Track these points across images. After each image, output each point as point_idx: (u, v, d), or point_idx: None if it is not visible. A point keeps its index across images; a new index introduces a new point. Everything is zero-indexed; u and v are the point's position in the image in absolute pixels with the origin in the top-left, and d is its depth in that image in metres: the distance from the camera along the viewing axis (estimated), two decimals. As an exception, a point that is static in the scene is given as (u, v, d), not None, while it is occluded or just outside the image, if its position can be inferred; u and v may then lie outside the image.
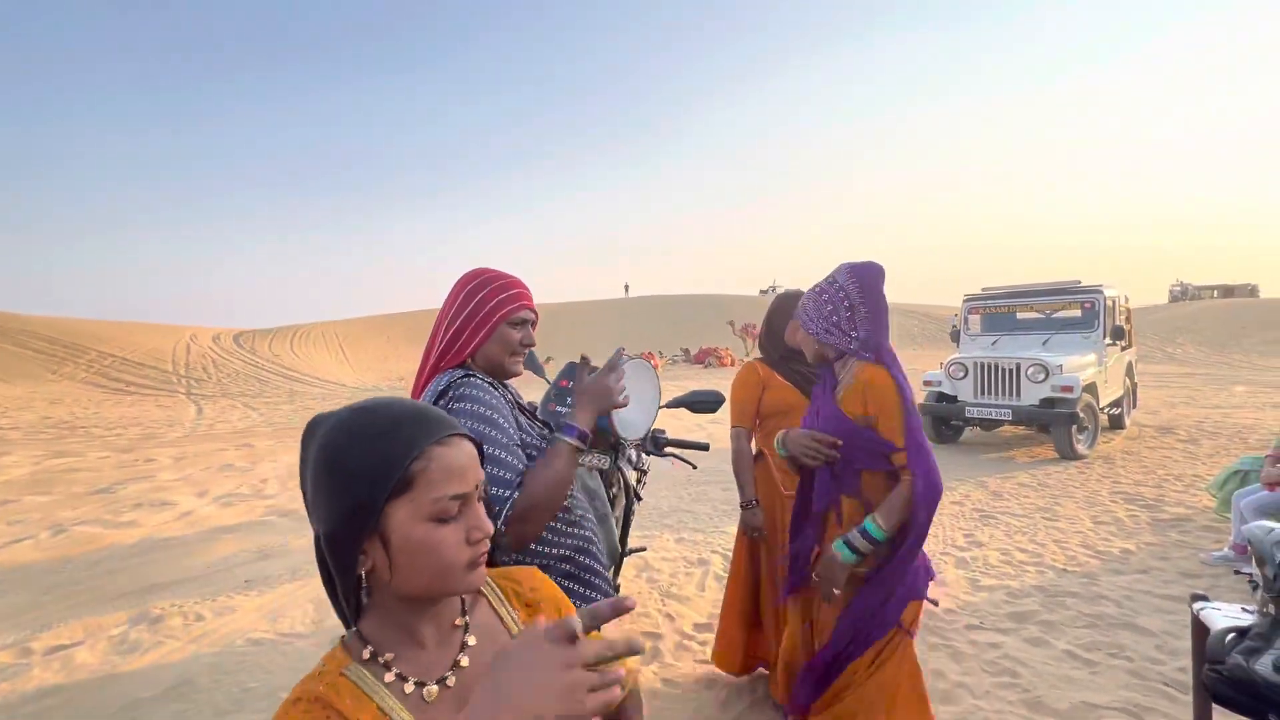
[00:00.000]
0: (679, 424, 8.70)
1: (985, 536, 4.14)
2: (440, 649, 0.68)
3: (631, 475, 2.37)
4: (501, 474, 1.10)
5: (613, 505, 2.13)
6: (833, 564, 1.56)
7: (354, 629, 0.67)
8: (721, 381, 17.27)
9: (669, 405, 2.26)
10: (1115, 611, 2.97)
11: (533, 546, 1.21)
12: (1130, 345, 8.29)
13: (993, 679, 2.43)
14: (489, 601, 0.75)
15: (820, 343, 1.71)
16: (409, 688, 0.63)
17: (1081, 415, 6.29)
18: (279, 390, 20.05)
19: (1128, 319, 8.14)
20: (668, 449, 2.30)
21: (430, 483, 0.62)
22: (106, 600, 3.47)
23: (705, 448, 2.33)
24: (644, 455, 2.41)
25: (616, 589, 2.07)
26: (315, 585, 3.59)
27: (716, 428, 9.07)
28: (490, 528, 0.66)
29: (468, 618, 0.72)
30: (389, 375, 26.24)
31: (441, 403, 1.16)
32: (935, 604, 1.88)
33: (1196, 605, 1.72)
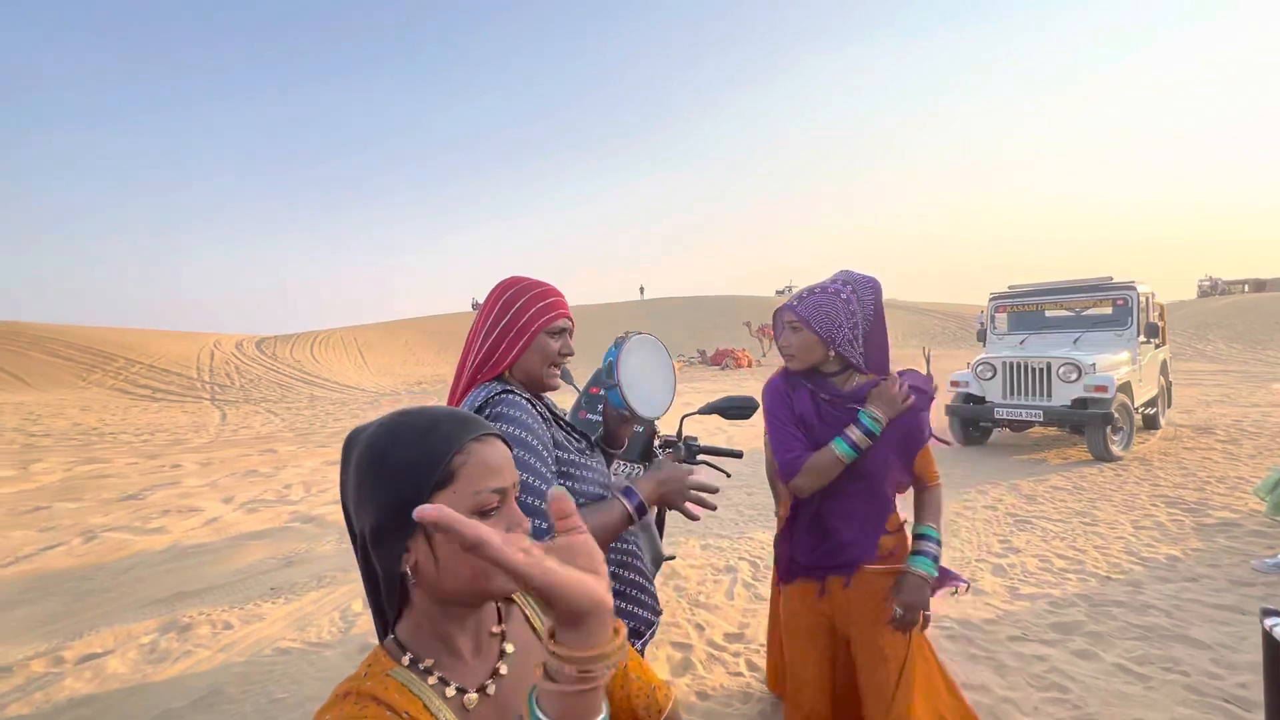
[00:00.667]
0: (700, 428, 8.62)
1: (1021, 542, 4.01)
2: (478, 659, 0.69)
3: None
4: (534, 502, 1.06)
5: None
6: (922, 584, 1.51)
7: (392, 635, 0.68)
8: (739, 383, 17.15)
9: (702, 411, 2.20)
10: (1166, 622, 2.85)
11: None
12: (1164, 343, 8.05)
13: (1041, 694, 2.33)
14: (523, 612, 0.76)
15: (833, 350, 1.57)
16: (450, 692, 0.65)
17: (1116, 416, 6.11)
18: (300, 395, 20.30)
19: (1161, 315, 7.91)
20: (701, 456, 2.24)
21: (471, 476, 0.64)
22: (137, 608, 3.48)
23: (739, 455, 2.26)
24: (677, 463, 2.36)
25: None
26: (341, 593, 3.58)
27: (736, 430, 8.98)
28: (529, 525, 0.67)
29: (504, 626, 0.73)
30: (407, 379, 26.47)
31: None
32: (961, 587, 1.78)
33: (1269, 621, 1.62)
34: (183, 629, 3.16)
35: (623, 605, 1.20)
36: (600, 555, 0.53)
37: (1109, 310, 7.34)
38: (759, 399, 2.24)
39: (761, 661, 2.62)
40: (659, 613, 1.32)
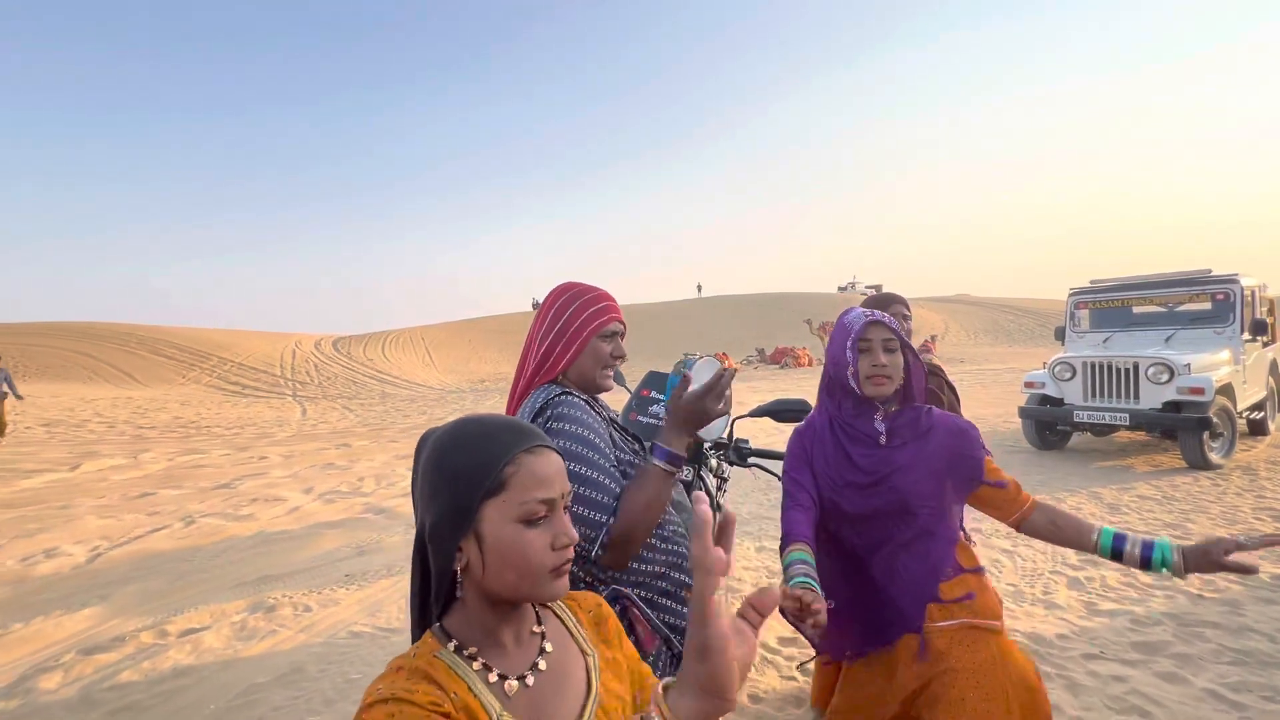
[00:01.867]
0: (756, 428, 8.53)
1: (1102, 554, 3.76)
2: (518, 651, 0.73)
3: (713, 484, 2.32)
4: (600, 497, 1.10)
5: (696, 516, 2.09)
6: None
7: (438, 624, 0.72)
8: (799, 383, 16.81)
9: (753, 414, 2.19)
10: (1268, 647, 2.61)
11: (629, 564, 1.19)
12: (1275, 340, 7.34)
13: (1120, 717, 2.19)
14: (558, 617, 0.80)
15: (912, 381, 1.40)
16: (492, 678, 0.69)
17: (1215, 420, 5.62)
18: (373, 392, 21.38)
19: (1270, 310, 7.21)
20: (751, 459, 2.23)
21: (520, 486, 0.68)
22: (229, 588, 3.79)
23: (791, 457, 2.24)
24: (725, 465, 2.36)
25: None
26: (408, 582, 3.77)
27: (789, 432, 8.82)
28: (575, 536, 0.70)
29: (543, 627, 0.77)
30: (471, 377, 27.41)
31: (540, 420, 1.16)
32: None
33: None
34: (268, 610, 3.41)
35: (672, 604, 1.23)
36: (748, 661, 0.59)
37: (1208, 306, 6.75)
38: (813, 400, 2.21)
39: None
40: None
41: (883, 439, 1.37)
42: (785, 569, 1.25)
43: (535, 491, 0.68)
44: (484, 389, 21.88)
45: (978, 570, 1.41)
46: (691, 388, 1.17)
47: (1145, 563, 1.16)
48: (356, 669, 2.75)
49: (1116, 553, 1.18)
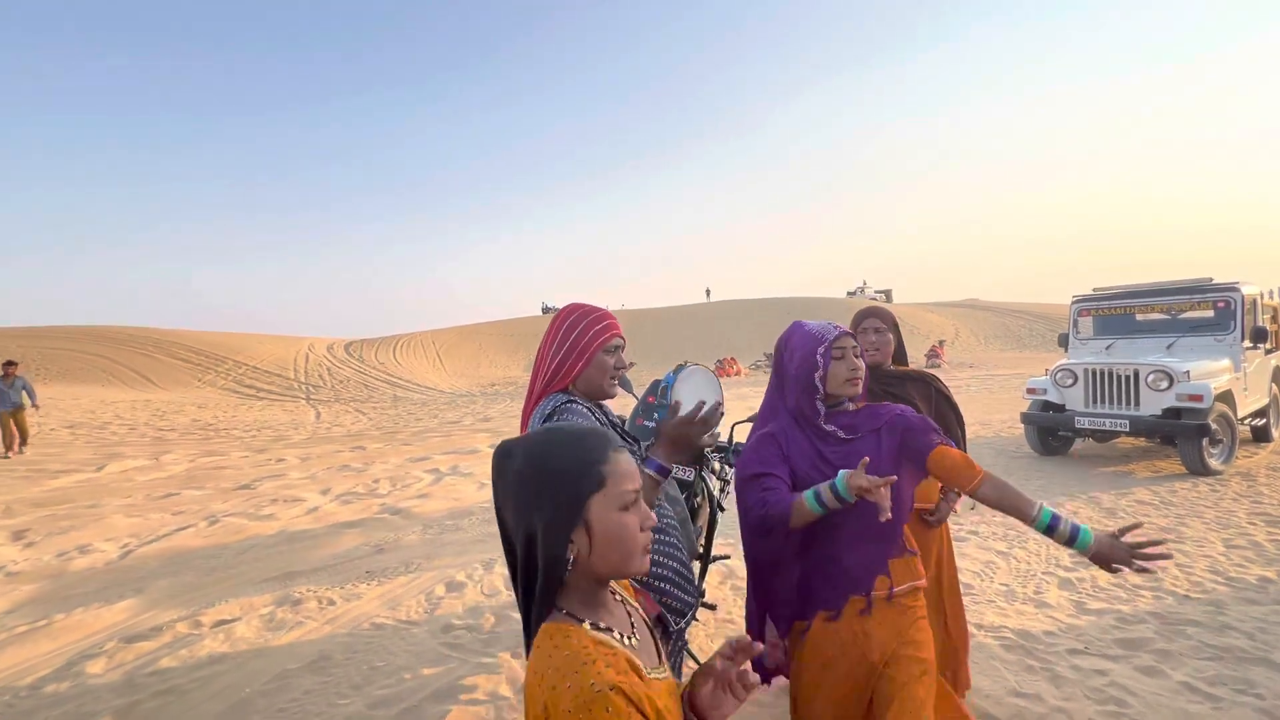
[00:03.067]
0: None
1: (1095, 557, 3.88)
2: (617, 615, 0.87)
3: (715, 485, 2.48)
4: None
5: (696, 514, 2.25)
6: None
7: (561, 609, 0.82)
8: (806, 387, 16.89)
9: (751, 419, 2.35)
10: (1246, 645, 2.73)
11: None
12: (1276, 348, 7.40)
13: (1097, 707, 2.33)
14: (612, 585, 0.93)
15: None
16: (627, 640, 0.83)
17: (1214, 427, 5.71)
18: (384, 395, 21.67)
19: (1273, 318, 7.27)
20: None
21: (617, 480, 0.81)
22: (256, 583, 3.99)
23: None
24: (728, 467, 2.52)
25: (702, 593, 2.20)
26: (426, 579, 3.94)
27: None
28: (655, 518, 0.85)
29: (615, 595, 0.91)
30: (481, 381, 27.68)
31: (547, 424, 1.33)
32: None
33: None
34: (295, 603, 3.60)
35: (666, 587, 1.40)
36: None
37: (1210, 313, 6.84)
38: None
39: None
40: (697, 596, 1.51)
41: (842, 434, 1.52)
42: (810, 498, 1.34)
43: (627, 484, 0.82)
44: (494, 393, 22.13)
45: (915, 553, 1.57)
46: (677, 397, 1.34)
47: (1070, 541, 1.32)
48: (380, 658, 2.93)
49: (1050, 529, 1.33)
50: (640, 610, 0.95)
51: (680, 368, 1.58)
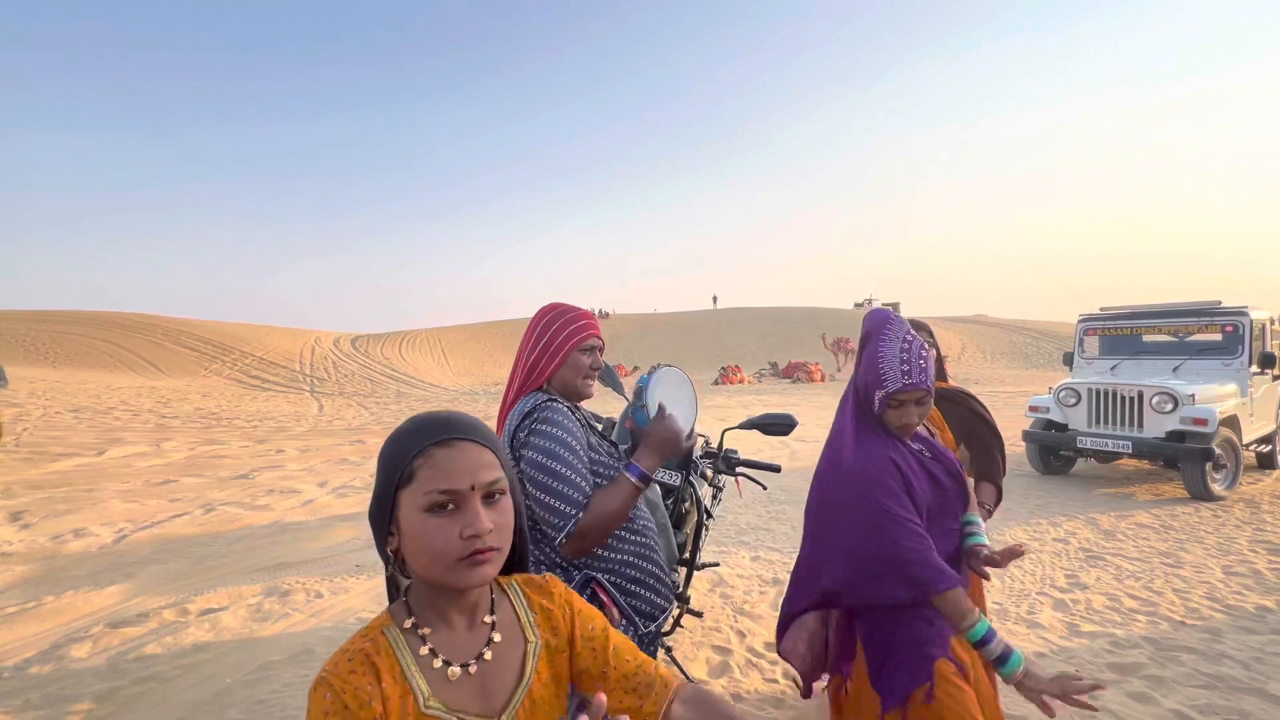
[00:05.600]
0: (756, 442, 8.62)
1: (1091, 578, 3.83)
2: (470, 637, 0.77)
3: (706, 493, 2.46)
4: (570, 493, 1.26)
5: (684, 520, 2.23)
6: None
7: (403, 599, 0.77)
8: (810, 398, 16.84)
9: (742, 426, 2.33)
10: (1241, 674, 2.68)
11: (600, 553, 1.35)
12: (1285, 374, 7.31)
13: (1085, 731, 2.29)
14: (512, 604, 0.83)
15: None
16: (437, 663, 0.72)
17: (1219, 451, 5.64)
18: (388, 391, 21.73)
19: (1283, 343, 7.19)
20: (739, 469, 2.37)
21: (427, 478, 0.71)
22: (246, 573, 3.98)
23: (777, 469, 2.38)
24: (718, 474, 2.50)
25: (687, 600, 2.17)
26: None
27: (802, 445, 8.91)
28: (485, 528, 0.70)
29: (494, 616, 0.80)
30: (484, 379, 27.74)
31: (527, 422, 1.32)
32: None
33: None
34: (282, 594, 3.59)
35: (640, 591, 1.38)
36: None
37: (1218, 337, 6.77)
38: (800, 416, 2.35)
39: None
40: (673, 600, 1.49)
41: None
42: (978, 638, 1.24)
43: (439, 483, 0.70)
44: (496, 392, 22.14)
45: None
46: (649, 399, 1.34)
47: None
48: (363, 653, 2.92)
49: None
50: (534, 640, 0.81)
51: (654, 369, 1.56)
